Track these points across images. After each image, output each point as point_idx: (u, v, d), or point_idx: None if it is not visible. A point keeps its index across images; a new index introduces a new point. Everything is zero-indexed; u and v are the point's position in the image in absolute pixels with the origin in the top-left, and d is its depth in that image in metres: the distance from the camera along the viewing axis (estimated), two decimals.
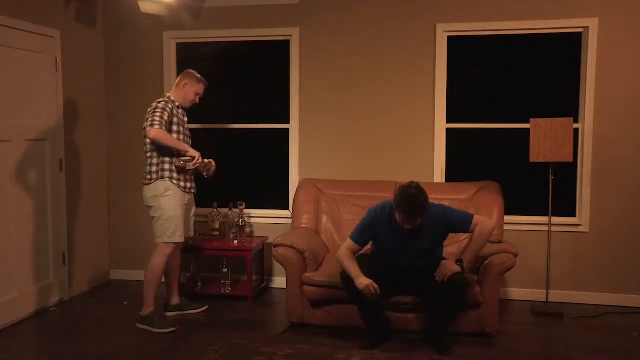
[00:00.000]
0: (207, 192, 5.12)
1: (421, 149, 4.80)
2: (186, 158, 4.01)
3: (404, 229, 3.51)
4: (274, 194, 5.22)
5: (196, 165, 4.01)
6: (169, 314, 4.32)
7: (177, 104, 4.17)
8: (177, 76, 5.20)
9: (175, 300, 4.40)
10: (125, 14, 5.10)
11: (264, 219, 5.13)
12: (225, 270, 4.74)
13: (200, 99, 4.28)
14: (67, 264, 4.69)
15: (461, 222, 3.61)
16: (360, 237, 3.66)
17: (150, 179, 4.07)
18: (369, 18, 4.81)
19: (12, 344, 3.80)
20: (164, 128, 3.93)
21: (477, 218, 3.61)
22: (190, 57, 5.22)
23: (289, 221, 4.86)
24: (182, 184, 4.10)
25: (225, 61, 5.32)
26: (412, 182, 3.51)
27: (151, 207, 4.10)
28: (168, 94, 4.20)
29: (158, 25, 5.09)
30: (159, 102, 4.06)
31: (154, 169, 4.07)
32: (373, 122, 4.87)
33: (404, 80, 4.80)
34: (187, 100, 4.21)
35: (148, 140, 4.03)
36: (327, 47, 4.89)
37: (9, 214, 4.10)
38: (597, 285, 4.63)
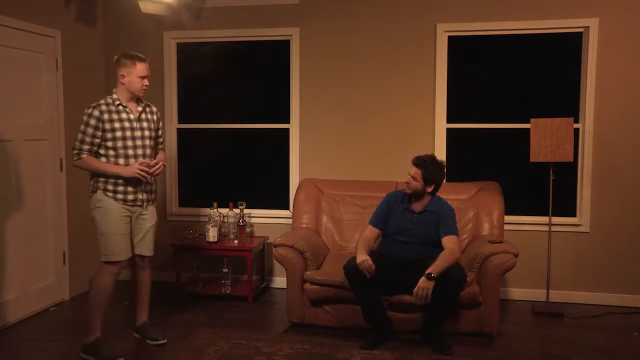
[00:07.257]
0: (207, 192, 5.12)
1: (421, 149, 4.75)
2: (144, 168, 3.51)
3: (412, 210, 3.77)
4: (274, 194, 5.21)
5: (155, 172, 3.56)
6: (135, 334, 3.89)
7: (118, 102, 3.55)
8: (177, 76, 5.22)
9: (141, 320, 3.85)
10: (125, 14, 5.10)
11: (264, 219, 5.13)
12: (225, 270, 4.74)
13: (148, 79, 3.59)
14: (67, 264, 4.69)
15: (447, 225, 3.69)
16: (376, 219, 3.87)
17: (91, 191, 3.58)
18: (369, 18, 4.81)
19: (12, 344, 3.81)
20: (83, 157, 3.47)
21: (455, 241, 3.68)
22: (190, 57, 5.22)
23: (289, 221, 4.86)
24: (119, 196, 3.51)
25: (225, 61, 5.32)
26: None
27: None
28: (114, 90, 3.58)
29: (158, 25, 5.09)
30: (83, 115, 3.49)
31: (91, 180, 3.57)
32: (373, 122, 4.87)
33: (404, 80, 4.80)
34: (134, 91, 3.55)
35: None
36: (327, 47, 4.90)
37: (9, 214, 4.10)
38: (597, 285, 4.63)
